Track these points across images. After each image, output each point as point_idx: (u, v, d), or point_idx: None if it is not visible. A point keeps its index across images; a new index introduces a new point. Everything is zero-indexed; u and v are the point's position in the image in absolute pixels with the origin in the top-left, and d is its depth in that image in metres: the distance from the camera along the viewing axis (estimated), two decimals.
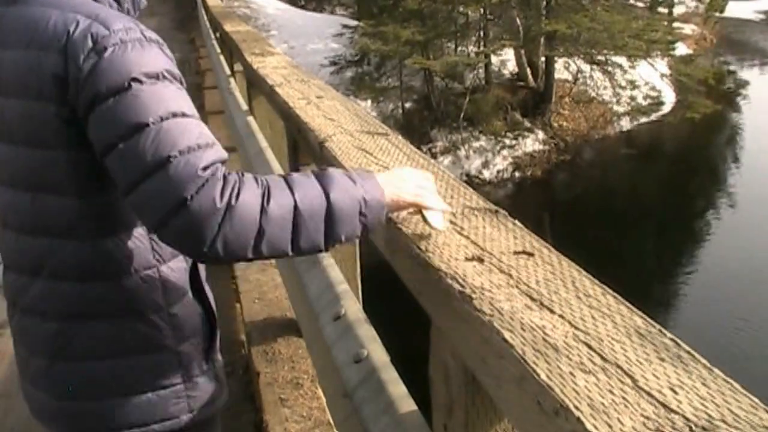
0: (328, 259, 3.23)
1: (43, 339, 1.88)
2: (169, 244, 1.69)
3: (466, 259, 1.68)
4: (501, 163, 21.75)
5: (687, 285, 15.02)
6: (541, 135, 22.98)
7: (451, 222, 1.89)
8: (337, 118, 3.27)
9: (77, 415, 1.91)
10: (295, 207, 1.65)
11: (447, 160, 20.90)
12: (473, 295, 1.50)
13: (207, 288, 2.05)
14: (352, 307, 2.79)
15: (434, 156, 19.80)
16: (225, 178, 1.61)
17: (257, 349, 4.18)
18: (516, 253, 1.70)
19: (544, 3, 23.95)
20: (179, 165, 1.59)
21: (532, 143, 22.64)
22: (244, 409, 4.24)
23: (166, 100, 1.65)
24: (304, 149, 3.61)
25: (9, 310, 1.97)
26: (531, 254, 1.69)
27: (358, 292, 3.29)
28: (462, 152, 21.64)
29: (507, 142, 22.26)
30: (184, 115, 1.66)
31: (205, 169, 1.60)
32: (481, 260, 1.67)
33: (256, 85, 5.60)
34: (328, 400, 3.16)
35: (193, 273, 1.98)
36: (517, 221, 1.90)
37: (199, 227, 1.58)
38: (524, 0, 23.33)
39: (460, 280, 1.57)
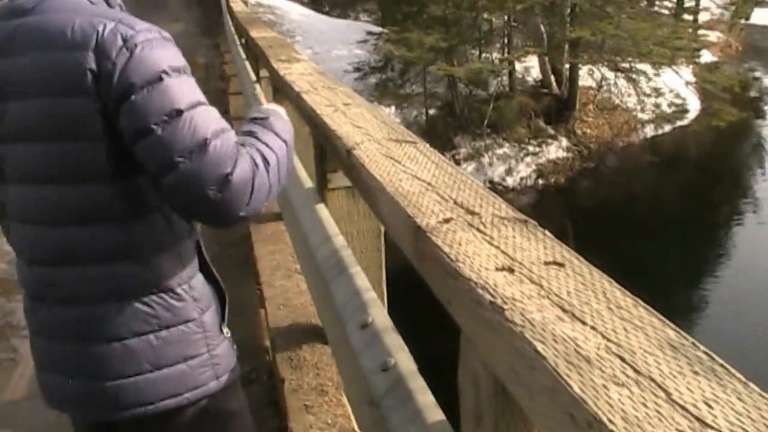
0: (354, 267, 3.23)
1: (76, 325, 2.02)
2: (202, 217, 1.99)
3: (497, 269, 1.67)
4: (524, 170, 21.73)
5: (711, 294, 14.95)
6: (564, 142, 22.95)
7: (481, 231, 1.89)
8: (364, 125, 3.27)
9: (113, 394, 2.03)
10: (278, 160, 2.06)
11: (470, 166, 20.89)
12: (504, 306, 1.50)
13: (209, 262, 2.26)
14: (379, 315, 2.79)
15: (458, 163, 19.79)
16: (241, 151, 1.94)
17: (282, 355, 4.18)
18: (546, 263, 1.69)
19: (569, 10, 23.91)
20: (217, 145, 1.88)
21: (556, 150, 22.61)
22: (269, 415, 4.25)
23: (191, 91, 1.93)
24: (331, 156, 3.62)
25: (31, 304, 2.11)
26: (561, 265, 1.68)
27: (383, 300, 3.30)
28: (485, 159, 21.63)
29: (530, 149, 22.25)
30: (206, 103, 1.95)
31: (233, 146, 1.92)
32: (511, 270, 1.67)
33: (282, 91, 5.60)
34: (354, 408, 3.15)
35: (198, 249, 2.21)
36: (546, 231, 1.90)
37: (239, 196, 1.90)
38: (548, 7, 23.28)
39: (491, 291, 1.56)
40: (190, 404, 2.11)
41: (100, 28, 1.85)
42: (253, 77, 9.33)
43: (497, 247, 1.79)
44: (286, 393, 3.88)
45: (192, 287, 2.12)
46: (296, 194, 4.71)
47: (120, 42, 1.84)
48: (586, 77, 24.71)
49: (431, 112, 23.20)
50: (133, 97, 1.82)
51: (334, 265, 3.34)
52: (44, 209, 1.98)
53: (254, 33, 9.01)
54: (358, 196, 3.77)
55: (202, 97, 1.94)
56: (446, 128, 22.51)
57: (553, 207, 20.07)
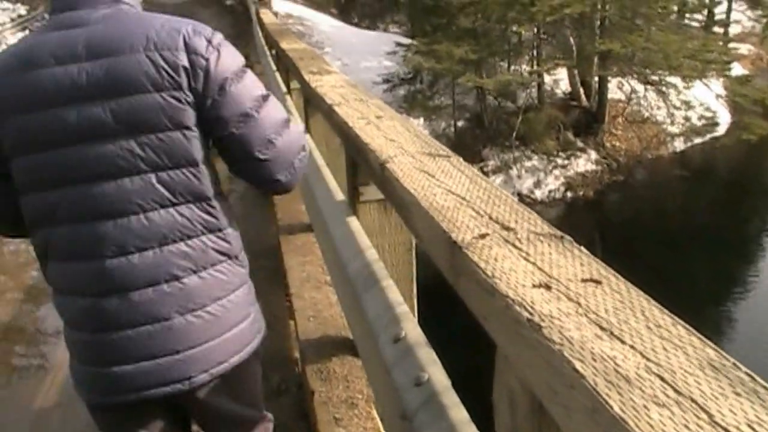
0: (386, 280, 3.22)
1: (159, 304, 2.19)
2: (278, 184, 2.35)
3: (534, 286, 1.67)
4: (553, 182, 21.69)
5: (742, 310, 14.83)
6: (593, 155, 22.89)
7: (517, 247, 1.88)
8: (397, 138, 3.27)
9: (196, 360, 2.25)
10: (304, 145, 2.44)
11: (499, 179, 20.88)
12: (542, 323, 1.49)
13: None
14: (412, 329, 2.78)
15: (486, 175, 19.73)
16: None
17: (312, 367, 4.18)
18: (584, 280, 1.68)
19: (598, 22, 23.87)
20: (291, 121, 2.35)
21: (585, 163, 22.56)
22: (298, 427, 4.25)
23: (258, 79, 2.32)
24: (364, 169, 3.61)
25: (98, 302, 2.19)
26: (599, 282, 1.67)
27: (414, 313, 3.29)
28: (514, 171, 21.61)
29: (559, 161, 22.21)
30: None
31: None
32: (548, 287, 1.66)
33: (313, 103, 5.63)
34: (385, 422, 3.15)
35: None
36: (582, 248, 1.89)
37: (305, 165, 2.42)
38: (578, 19, 23.24)
39: (528, 308, 1.56)
40: (242, 360, 2.37)
41: (184, 30, 2.12)
42: (284, 89, 9.35)
43: (533, 264, 1.78)
44: (315, 405, 3.88)
45: (243, 255, 2.42)
46: (327, 206, 4.71)
47: (205, 42, 2.13)
48: (615, 90, 24.64)
49: (460, 124, 23.22)
50: (230, 88, 2.13)
51: (366, 278, 3.34)
52: (134, 200, 2.12)
53: (285, 44, 9.03)
54: (389, 209, 3.77)
55: None
56: (475, 140, 22.51)
57: (582, 220, 19.99)
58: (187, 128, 2.12)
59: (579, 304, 1.56)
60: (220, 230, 2.27)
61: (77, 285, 2.21)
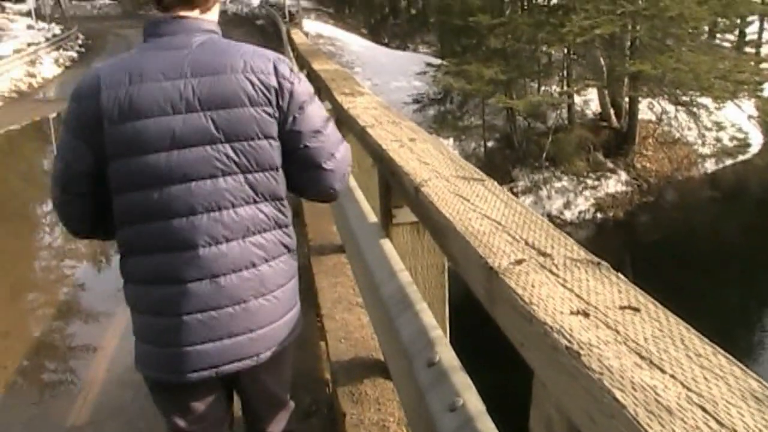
0: (420, 303, 3.22)
1: (241, 288, 2.50)
2: (334, 192, 2.73)
3: (571, 313, 1.66)
4: (583, 203, 21.61)
5: None
6: (623, 176, 22.79)
7: (554, 274, 1.88)
8: (431, 162, 3.27)
9: (264, 339, 2.57)
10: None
11: (528, 199, 20.83)
12: (581, 351, 1.48)
13: None
14: (446, 353, 2.78)
15: (515, 195, 19.70)
16: None
17: (343, 389, 4.17)
18: (622, 307, 1.67)
19: (629, 43, 23.80)
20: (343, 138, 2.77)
21: (615, 184, 22.46)
22: None
23: None
24: (398, 192, 3.62)
25: (182, 288, 2.46)
26: (637, 309, 1.66)
27: (446, 335, 3.28)
28: (543, 192, 21.55)
29: (589, 182, 22.13)
30: None
31: None
32: (586, 314, 1.65)
33: (345, 124, 5.63)
34: None
35: None
36: (620, 274, 1.88)
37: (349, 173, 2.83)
38: (608, 40, 23.18)
39: (567, 335, 1.55)
40: (290, 343, 2.72)
41: (272, 58, 2.52)
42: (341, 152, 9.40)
43: (571, 290, 1.78)
44: (347, 427, 3.87)
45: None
46: (360, 228, 4.72)
47: (288, 69, 2.51)
48: (645, 110, 24.54)
49: (490, 144, 23.21)
50: (306, 108, 2.52)
51: (399, 301, 3.34)
52: (222, 199, 2.44)
53: (316, 65, 9.09)
54: (422, 231, 3.77)
55: None
56: (504, 161, 22.49)
57: (612, 241, 19.87)
58: (273, 138, 2.48)
59: (618, 332, 1.56)
60: (286, 226, 2.63)
61: (167, 274, 2.47)
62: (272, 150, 2.48)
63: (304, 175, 2.60)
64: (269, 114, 2.45)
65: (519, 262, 1.98)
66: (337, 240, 6.29)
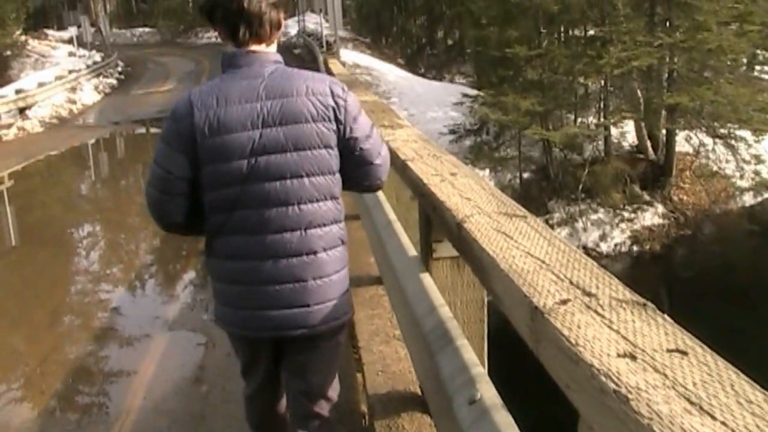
0: (461, 339, 3.22)
1: (301, 269, 3.04)
2: (379, 184, 3.34)
3: (618, 356, 1.66)
4: (619, 236, 21.47)
5: None
6: (660, 209, 22.62)
7: (599, 314, 1.87)
8: (473, 197, 3.28)
9: (320, 313, 3.08)
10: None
11: (564, 231, 20.73)
12: (629, 396, 1.48)
13: None
14: (488, 391, 2.77)
15: (551, 227, 19.62)
16: None
17: (380, 422, 4.16)
18: (669, 350, 1.67)
19: (666, 75, 23.69)
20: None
21: (651, 217, 22.30)
22: None
23: None
24: (439, 227, 3.62)
25: (257, 264, 3.05)
26: (685, 353, 1.65)
27: (485, 370, 3.27)
28: (579, 224, 21.45)
29: (625, 215, 21.99)
30: None
31: None
32: (633, 357, 1.65)
33: None
34: None
35: None
36: (666, 316, 1.87)
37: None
38: (646, 72, 23.10)
39: (615, 378, 1.55)
40: (340, 324, 3.23)
41: (328, 82, 3.08)
42: None
43: (617, 332, 1.77)
44: None
45: None
46: (399, 261, 4.72)
47: (341, 90, 3.07)
48: (683, 143, 24.35)
49: (525, 175, 23.16)
50: (358, 118, 3.10)
51: (440, 336, 3.34)
52: (290, 197, 3.00)
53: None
54: (462, 266, 3.77)
55: None
56: (540, 192, 22.42)
57: (649, 275, 19.70)
58: (331, 148, 3.03)
59: (666, 375, 1.55)
60: (340, 222, 3.17)
61: (244, 252, 3.06)
62: (330, 158, 3.03)
63: (360, 171, 3.16)
64: (328, 128, 3.00)
65: (564, 301, 1.98)
66: (374, 271, 6.29)
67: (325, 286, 3.09)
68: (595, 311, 1.90)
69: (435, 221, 3.70)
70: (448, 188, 3.53)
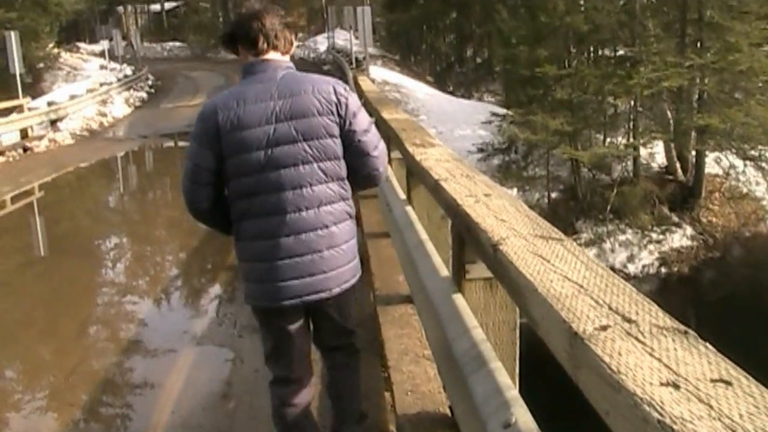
0: (494, 362, 3.19)
1: (316, 242, 3.56)
2: (377, 176, 3.80)
3: (661, 384, 1.63)
4: (647, 257, 21.34)
5: None
6: (689, 230, 22.48)
7: (640, 342, 1.85)
8: (508, 219, 3.27)
9: (334, 279, 3.63)
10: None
11: (592, 252, 20.61)
12: (674, 426, 1.46)
13: None
14: (523, 415, 2.74)
15: None
16: None
17: None
18: (713, 380, 1.64)
19: (696, 96, 23.59)
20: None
21: (680, 238, 22.16)
22: None
23: None
24: (472, 248, 3.61)
25: (278, 242, 3.55)
26: (729, 383, 1.63)
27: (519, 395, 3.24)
28: (607, 245, 21.35)
29: (654, 236, 21.86)
30: None
31: None
32: (676, 386, 1.62)
33: (416, 175, 5.67)
34: None
35: None
36: (708, 344, 1.85)
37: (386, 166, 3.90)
38: (676, 93, 23.01)
39: (658, 408, 1.53)
40: (351, 285, 3.78)
41: (332, 83, 3.65)
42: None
43: (659, 360, 1.75)
44: None
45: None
46: (431, 281, 4.70)
47: (343, 89, 3.64)
48: (712, 164, 24.20)
49: (554, 195, 23.10)
50: (358, 114, 3.62)
51: (473, 359, 3.32)
52: (303, 180, 3.52)
53: (386, 114, 9.14)
54: (495, 287, 3.75)
55: None
56: (568, 212, 22.34)
57: (677, 297, 19.53)
58: (335, 137, 3.57)
59: (711, 406, 1.53)
60: (348, 199, 3.72)
61: (266, 231, 3.57)
62: (335, 146, 3.58)
63: (358, 161, 3.65)
64: (332, 120, 3.55)
65: (604, 328, 1.96)
66: (404, 290, 6.27)
67: (337, 254, 3.64)
68: (636, 338, 1.88)
69: (469, 242, 3.68)
70: (482, 209, 3.52)
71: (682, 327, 1.94)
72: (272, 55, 3.64)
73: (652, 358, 1.77)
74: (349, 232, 3.72)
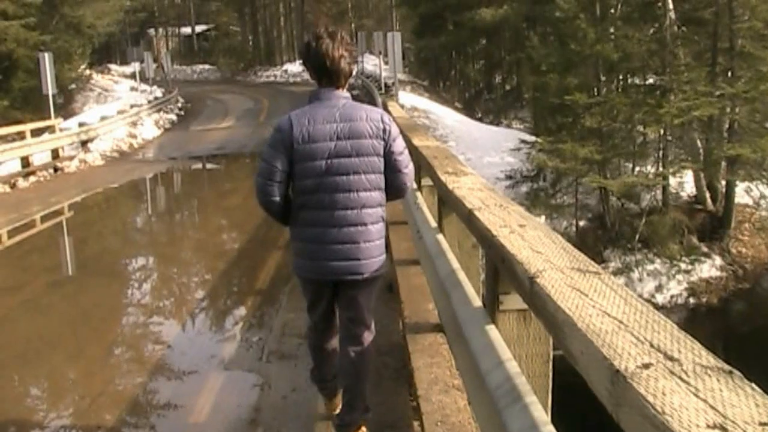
0: (530, 396, 3.15)
1: (356, 235, 4.44)
2: (404, 189, 4.66)
3: (708, 427, 1.60)
4: (675, 287, 21.20)
5: None
6: (718, 261, 22.32)
7: (684, 381, 1.82)
8: (544, 251, 3.24)
9: (366, 266, 4.50)
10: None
11: (620, 281, 20.41)
12: None
13: None
14: None
15: None
16: None
17: None
18: (762, 424, 1.61)
19: (727, 125, 23.49)
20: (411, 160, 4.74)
21: (709, 269, 22.01)
22: None
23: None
24: (507, 279, 3.57)
25: (327, 231, 4.46)
26: None
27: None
28: (635, 274, 21.24)
29: (682, 266, 21.72)
30: None
31: None
32: (724, 429, 1.59)
33: (450, 205, 5.66)
34: None
35: None
36: (754, 385, 1.81)
37: (412, 183, 5.18)
38: (706, 122, 22.91)
39: None
40: (379, 274, 4.65)
41: (380, 112, 4.58)
42: (414, 185, 9.38)
43: (705, 401, 1.72)
44: None
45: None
46: (463, 312, 4.68)
47: (388, 119, 4.51)
48: (742, 194, 24.07)
49: (582, 223, 23.02)
50: (395, 140, 4.48)
51: (507, 392, 3.28)
52: (352, 186, 4.40)
53: (417, 141, 9.12)
54: (529, 319, 3.72)
55: None
56: (596, 241, 22.24)
57: (705, 328, 19.32)
58: (379, 156, 4.44)
59: None
60: (383, 206, 4.58)
61: (318, 222, 4.47)
62: (379, 162, 4.45)
63: (392, 175, 4.52)
64: (378, 143, 4.43)
65: (646, 366, 1.93)
66: (433, 318, 6.24)
67: (371, 247, 4.52)
68: (680, 377, 1.85)
69: (503, 273, 3.65)
70: (517, 240, 3.49)
71: (726, 366, 1.91)
72: (333, 89, 4.53)
73: (698, 398, 1.73)
74: (381, 231, 4.61)
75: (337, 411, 4.92)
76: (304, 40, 4.77)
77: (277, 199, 4.54)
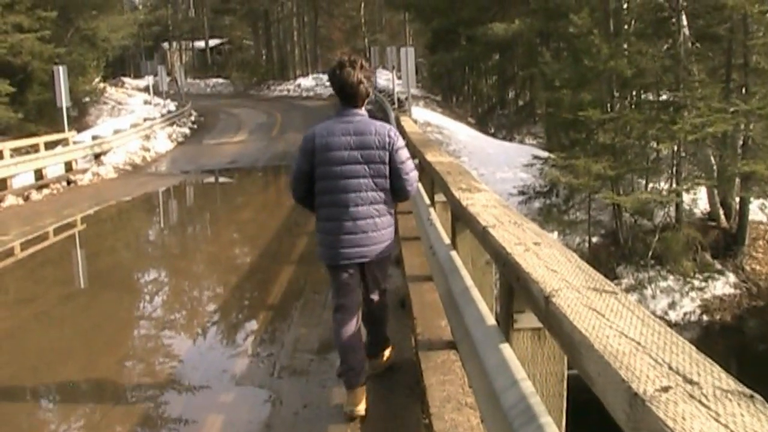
0: (545, 417, 3.11)
1: (366, 226, 5.42)
2: (406, 193, 5.70)
3: None
4: (689, 305, 21.09)
5: None
6: (732, 278, 22.21)
7: (704, 405, 1.79)
8: (559, 270, 3.21)
9: (375, 250, 5.51)
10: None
11: (632, 298, 20.27)
12: None
13: None
14: None
15: None
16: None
17: None
18: None
19: (741, 142, 23.42)
20: (414, 169, 5.75)
21: (723, 286, 21.89)
22: None
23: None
24: (522, 298, 3.54)
25: (342, 223, 5.41)
26: None
27: None
28: (648, 291, 21.15)
29: (696, 283, 21.61)
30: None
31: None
32: None
33: (463, 221, 5.65)
34: None
35: None
36: None
37: (415, 188, 5.89)
38: (720, 139, 22.84)
39: None
40: (386, 255, 5.71)
41: (387, 127, 5.51)
42: (427, 201, 9.36)
43: (726, 426, 1.69)
44: None
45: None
46: (477, 329, 4.64)
47: (394, 133, 5.46)
48: (756, 211, 23.97)
49: (594, 239, 22.94)
50: (400, 150, 5.45)
51: (522, 412, 3.24)
52: (361, 187, 5.35)
53: (430, 157, 9.10)
54: (544, 338, 3.68)
55: None
56: (609, 257, 22.16)
57: (719, 346, 19.23)
58: (384, 163, 5.35)
59: None
60: (388, 203, 5.51)
61: (335, 216, 5.42)
62: (384, 169, 5.38)
63: (396, 179, 5.45)
64: (384, 152, 5.35)
65: (665, 389, 1.90)
66: (446, 335, 6.20)
67: (378, 235, 5.49)
68: (700, 401, 1.82)
69: (518, 292, 3.61)
70: (533, 259, 3.46)
71: (747, 390, 1.88)
72: (354, 106, 5.51)
73: (719, 424, 1.71)
74: (388, 221, 5.58)
75: (360, 406, 5.55)
76: (330, 66, 5.65)
77: (303, 194, 5.62)
